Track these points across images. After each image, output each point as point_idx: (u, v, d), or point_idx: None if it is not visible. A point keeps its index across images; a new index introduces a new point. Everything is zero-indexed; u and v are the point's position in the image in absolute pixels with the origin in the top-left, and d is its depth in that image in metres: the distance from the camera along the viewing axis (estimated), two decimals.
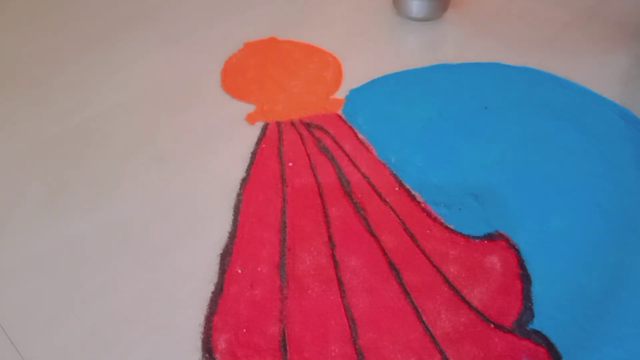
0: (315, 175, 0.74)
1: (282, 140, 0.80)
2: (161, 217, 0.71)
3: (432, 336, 0.57)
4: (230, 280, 0.63)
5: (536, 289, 0.61)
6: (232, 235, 0.68)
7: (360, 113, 0.83)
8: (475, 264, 0.63)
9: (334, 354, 0.56)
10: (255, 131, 0.82)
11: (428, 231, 0.67)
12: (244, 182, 0.74)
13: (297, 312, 0.60)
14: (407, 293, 0.61)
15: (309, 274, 0.63)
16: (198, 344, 0.58)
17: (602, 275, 0.62)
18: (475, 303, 0.60)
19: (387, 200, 0.71)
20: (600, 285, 0.61)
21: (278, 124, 0.83)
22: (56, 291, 0.64)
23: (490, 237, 0.66)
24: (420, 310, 0.59)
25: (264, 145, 0.79)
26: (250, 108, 0.86)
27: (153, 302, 0.62)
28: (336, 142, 0.79)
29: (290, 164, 0.76)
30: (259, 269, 0.64)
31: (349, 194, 0.72)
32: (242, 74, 0.92)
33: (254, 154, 0.78)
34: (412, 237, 0.67)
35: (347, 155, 0.77)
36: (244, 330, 0.58)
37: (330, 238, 0.67)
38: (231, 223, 0.69)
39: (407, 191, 0.72)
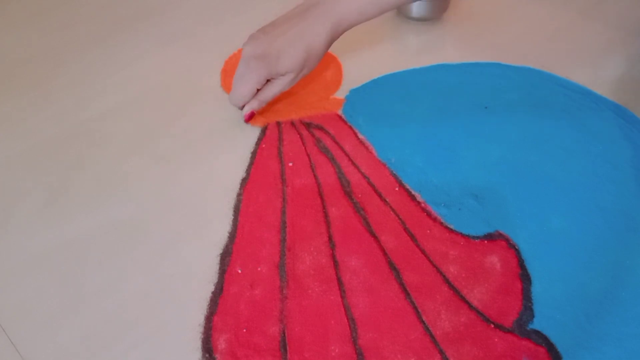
0: (315, 175, 0.74)
1: (282, 140, 0.80)
2: (161, 217, 0.71)
3: (432, 336, 0.57)
4: (230, 280, 0.63)
5: (536, 289, 0.61)
6: (232, 235, 0.68)
7: (360, 113, 0.83)
8: (475, 264, 0.63)
9: (334, 353, 0.56)
10: (255, 131, 0.82)
11: (428, 231, 0.67)
12: (244, 182, 0.74)
13: (297, 312, 0.60)
14: (407, 293, 0.61)
15: (309, 274, 0.63)
16: (198, 344, 0.58)
17: (602, 275, 0.62)
18: (475, 303, 0.60)
19: (387, 200, 0.71)
20: (600, 285, 0.61)
21: (278, 124, 0.83)
22: (56, 291, 0.64)
23: (490, 237, 0.66)
24: (420, 310, 0.59)
25: (264, 145, 0.79)
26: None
27: (153, 302, 0.62)
28: (336, 142, 0.79)
29: (290, 164, 0.76)
30: (259, 269, 0.64)
31: (349, 194, 0.72)
32: None
33: (253, 154, 0.78)
34: (412, 237, 0.67)
35: (347, 155, 0.77)
36: (244, 330, 0.58)
37: (330, 238, 0.67)
38: (231, 223, 0.69)
39: (407, 191, 0.72)
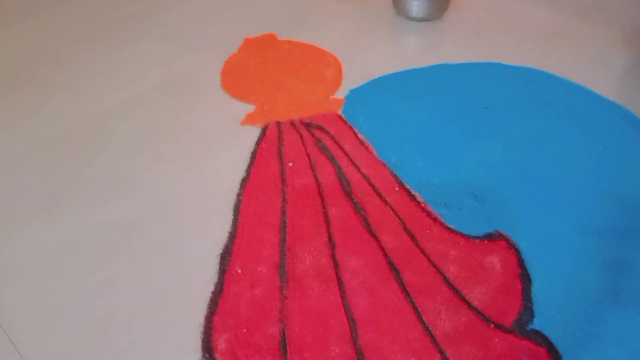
0: (315, 175, 0.74)
1: (282, 140, 0.80)
2: (161, 217, 0.71)
3: (432, 336, 0.57)
4: (230, 280, 0.63)
5: (536, 289, 0.61)
6: (232, 235, 0.68)
7: (360, 113, 0.83)
8: (475, 264, 0.63)
9: (334, 353, 0.56)
10: (255, 131, 0.82)
11: (428, 231, 0.67)
12: (244, 182, 0.74)
13: (297, 312, 0.60)
14: (407, 293, 0.61)
15: (309, 274, 0.63)
16: (198, 344, 0.58)
17: (602, 275, 0.62)
18: (475, 303, 0.60)
19: (387, 200, 0.71)
20: (600, 285, 0.61)
21: (278, 124, 0.83)
22: (56, 291, 0.64)
23: (490, 237, 0.66)
24: (420, 310, 0.59)
25: (264, 145, 0.79)
26: (250, 108, 0.86)
27: (153, 302, 0.62)
28: (336, 142, 0.79)
29: (290, 164, 0.76)
30: (259, 269, 0.64)
31: (349, 194, 0.72)
32: (242, 74, 0.92)
33: (254, 154, 0.78)
34: (412, 237, 0.67)
35: (347, 155, 0.77)
36: (244, 330, 0.58)
37: (330, 238, 0.67)
38: (231, 223, 0.69)
39: (407, 191, 0.72)
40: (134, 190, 0.75)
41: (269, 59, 0.94)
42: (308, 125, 0.82)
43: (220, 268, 0.65)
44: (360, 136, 0.80)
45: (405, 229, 0.67)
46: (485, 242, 0.66)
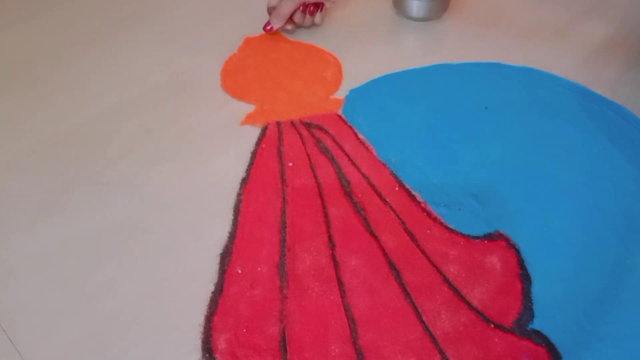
0: (315, 176, 0.74)
1: (282, 140, 0.80)
2: (161, 217, 0.71)
3: (432, 336, 0.57)
4: (230, 280, 0.63)
5: (536, 289, 0.61)
6: (232, 235, 0.68)
7: (360, 113, 0.83)
8: (475, 264, 0.63)
9: (334, 354, 0.56)
10: (255, 131, 0.82)
11: (428, 231, 0.67)
12: (244, 182, 0.74)
13: (297, 312, 0.60)
14: (407, 293, 0.61)
15: (309, 274, 0.63)
16: (198, 344, 0.58)
17: (602, 275, 0.62)
18: (475, 303, 0.60)
19: (387, 200, 0.71)
20: (600, 285, 0.61)
21: (278, 124, 0.83)
22: (56, 291, 0.64)
23: (490, 237, 0.66)
24: (420, 310, 0.59)
25: (264, 145, 0.79)
26: (250, 108, 0.86)
27: (153, 302, 0.62)
28: (336, 142, 0.79)
29: (290, 164, 0.76)
30: (259, 269, 0.64)
31: (349, 194, 0.72)
32: (242, 74, 0.92)
33: (254, 154, 0.78)
34: (412, 237, 0.67)
35: (347, 155, 0.77)
36: (244, 330, 0.58)
37: (330, 238, 0.67)
38: (231, 223, 0.69)
39: (407, 191, 0.72)
40: (133, 190, 0.75)
41: (269, 59, 0.94)
42: (308, 125, 0.82)
43: (220, 268, 0.65)
44: (360, 136, 0.80)
45: (405, 229, 0.67)
46: (485, 242, 0.66)
